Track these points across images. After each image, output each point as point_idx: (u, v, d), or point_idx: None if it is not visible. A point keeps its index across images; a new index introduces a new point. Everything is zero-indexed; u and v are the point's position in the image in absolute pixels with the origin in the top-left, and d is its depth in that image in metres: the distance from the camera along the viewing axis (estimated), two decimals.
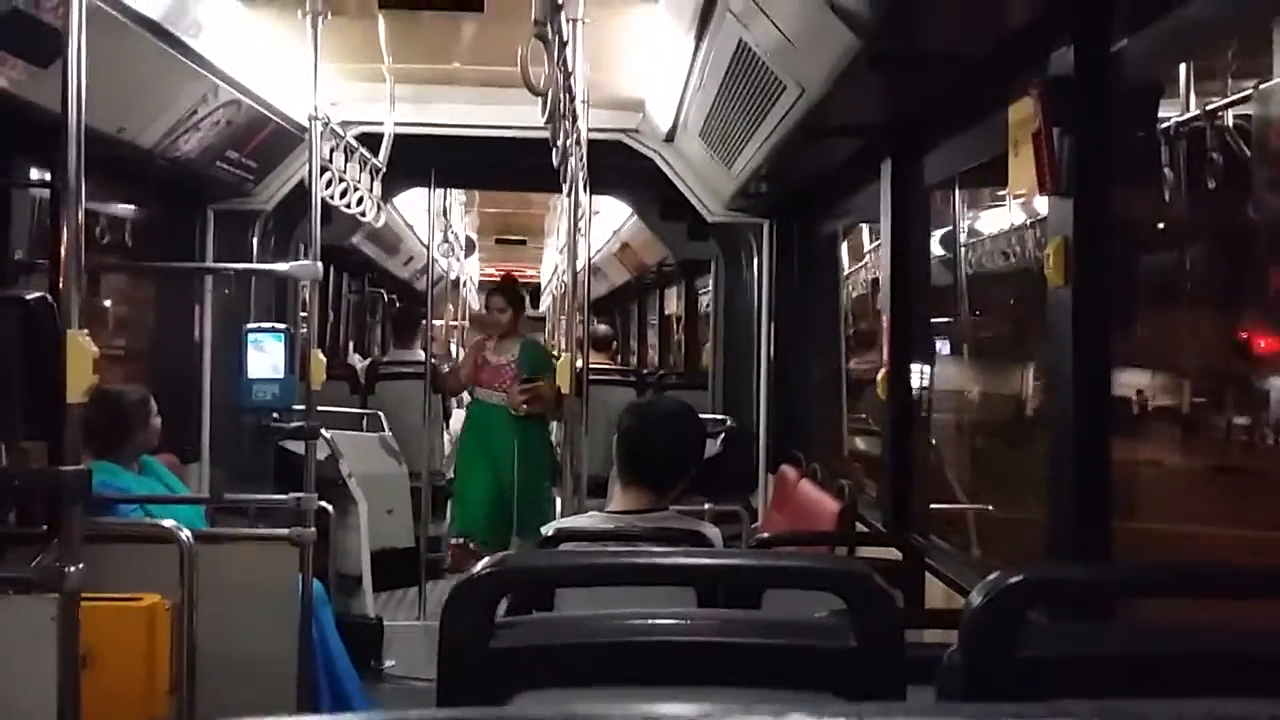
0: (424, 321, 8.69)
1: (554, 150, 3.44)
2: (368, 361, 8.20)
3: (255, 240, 5.39)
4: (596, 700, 1.11)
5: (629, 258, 9.82)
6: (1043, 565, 1.62)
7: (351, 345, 10.58)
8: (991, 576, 1.25)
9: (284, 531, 3.56)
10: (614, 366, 8.16)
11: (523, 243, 13.98)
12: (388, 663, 5.01)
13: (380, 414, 5.95)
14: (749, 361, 5.63)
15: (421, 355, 7.71)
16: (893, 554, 2.75)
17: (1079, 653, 1.23)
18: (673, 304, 11.47)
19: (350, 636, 4.48)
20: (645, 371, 9.14)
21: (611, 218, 9.13)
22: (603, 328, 9.76)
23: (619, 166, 5.05)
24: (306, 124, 3.68)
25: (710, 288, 7.22)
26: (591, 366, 7.93)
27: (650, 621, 1.24)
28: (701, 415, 5.38)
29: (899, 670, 1.23)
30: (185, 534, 3.18)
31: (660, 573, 1.24)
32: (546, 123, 3.09)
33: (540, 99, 2.90)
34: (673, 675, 1.22)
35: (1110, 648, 1.26)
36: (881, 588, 1.21)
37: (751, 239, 5.48)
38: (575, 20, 3.32)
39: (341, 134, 4.21)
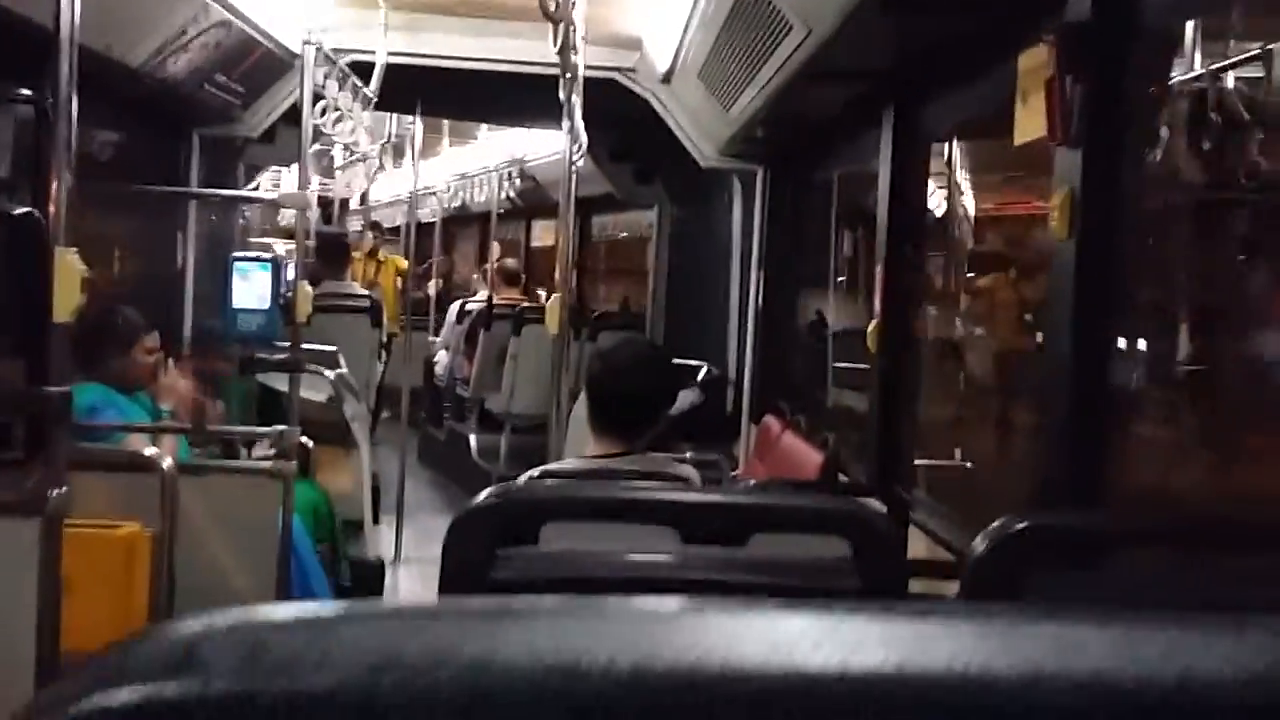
0: (352, 251, 8.69)
1: (561, 84, 3.37)
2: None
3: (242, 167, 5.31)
4: None
5: (530, 192, 9.84)
6: (1046, 512, 1.61)
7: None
8: (996, 523, 1.24)
9: (266, 464, 3.53)
10: (526, 302, 8.07)
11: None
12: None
13: (336, 350, 5.85)
14: (707, 308, 5.63)
15: (355, 288, 7.61)
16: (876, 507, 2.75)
17: (1086, 598, 1.22)
18: (548, 237, 11.61)
19: (353, 578, 4.51)
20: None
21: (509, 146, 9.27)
22: (511, 262, 9.65)
23: (602, 109, 4.99)
24: (298, 50, 3.60)
25: (653, 233, 7.22)
26: (505, 301, 7.93)
27: (659, 559, 1.22)
28: (680, 362, 5.43)
29: None
30: (167, 463, 3.14)
31: (669, 510, 1.22)
32: (558, 52, 3.03)
33: (551, 29, 2.84)
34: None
35: (1116, 594, 1.25)
36: (891, 530, 1.20)
37: (735, 184, 5.44)
38: None
39: (334, 61, 4.12)
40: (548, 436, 3.68)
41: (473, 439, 7.16)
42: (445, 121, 6.98)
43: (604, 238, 10.57)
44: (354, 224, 12.68)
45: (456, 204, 12.16)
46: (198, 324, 4.95)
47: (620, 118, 5.25)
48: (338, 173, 10.61)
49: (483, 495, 1.23)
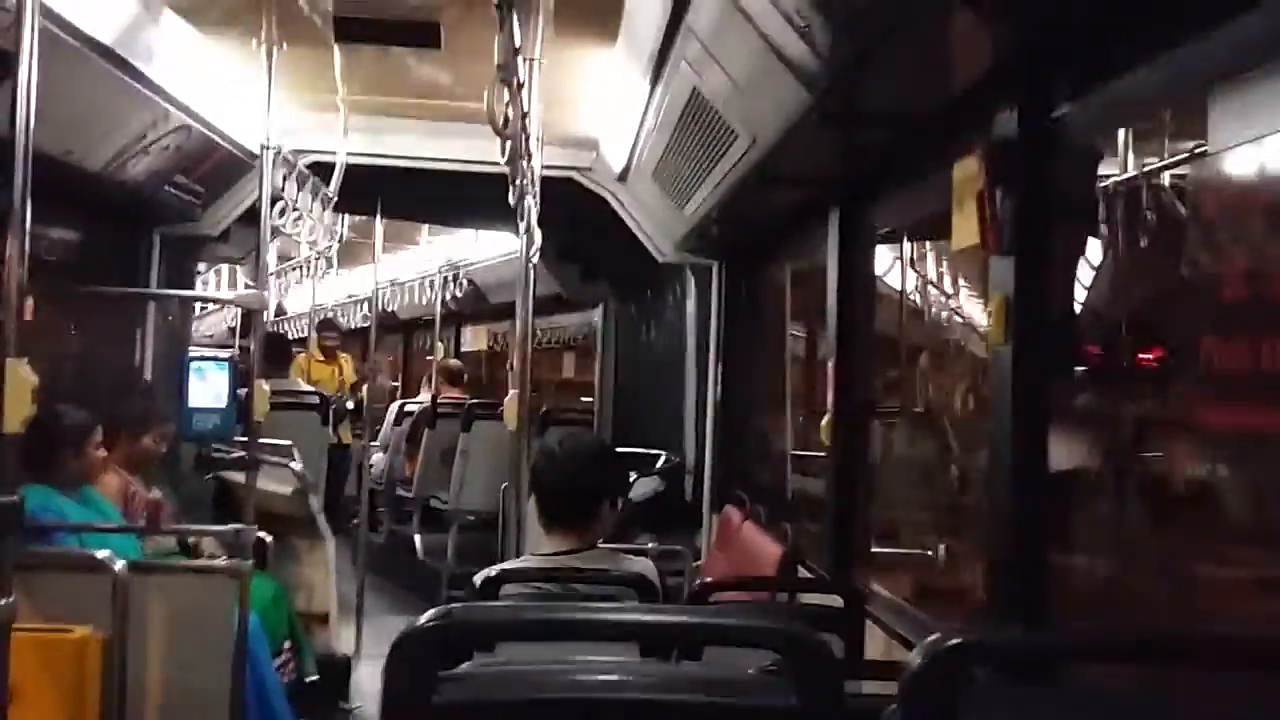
0: (296, 350, 8.85)
1: (511, 189, 3.46)
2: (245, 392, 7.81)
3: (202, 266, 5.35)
4: None
5: (464, 297, 10.01)
6: (983, 628, 1.65)
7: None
8: (931, 638, 1.27)
9: (221, 563, 3.51)
10: (471, 399, 8.16)
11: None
12: (355, 704, 4.93)
13: (291, 444, 5.87)
14: (661, 399, 5.72)
15: (301, 384, 7.66)
16: (836, 600, 2.77)
17: (1021, 717, 1.25)
18: (480, 341, 11.78)
19: (320, 672, 4.46)
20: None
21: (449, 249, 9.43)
22: (454, 362, 9.84)
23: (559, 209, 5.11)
24: (258, 152, 3.67)
25: (599, 330, 7.40)
26: (449, 400, 8.03)
27: (594, 678, 1.25)
28: (636, 451, 5.48)
29: None
30: (119, 564, 3.12)
31: (605, 628, 1.25)
32: (507, 163, 3.12)
33: (500, 138, 2.92)
34: None
35: (1052, 713, 1.28)
36: (820, 645, 1.23)
37: (689, 278, 5.55)
38: (533, 60, 3.35)
39: (293, 162, 4.19)
40: (499, 533, 3.70)
41: (418, 539, 7.14)
42: (379, 228, 7.17)
43: (546, 339, 10.62)
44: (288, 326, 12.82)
45: (387, 310, 12.27)
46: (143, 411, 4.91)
47: (569, 218, 5.37)
48: (271, 278, 10.47)
49: (425, 617, 1.25)
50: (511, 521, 3.79)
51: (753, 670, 1.49)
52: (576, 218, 5.31)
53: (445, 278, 9.80)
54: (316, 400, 6.77)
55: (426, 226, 9.49)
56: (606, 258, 5.77)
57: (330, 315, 11.11)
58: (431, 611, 1.27)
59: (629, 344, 6.53)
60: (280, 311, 13.50)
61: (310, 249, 5.86)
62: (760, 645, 1.25)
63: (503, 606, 1.69)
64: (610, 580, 2.63)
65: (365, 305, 11.48)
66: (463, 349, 12.56)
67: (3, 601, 2.21)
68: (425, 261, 10.48)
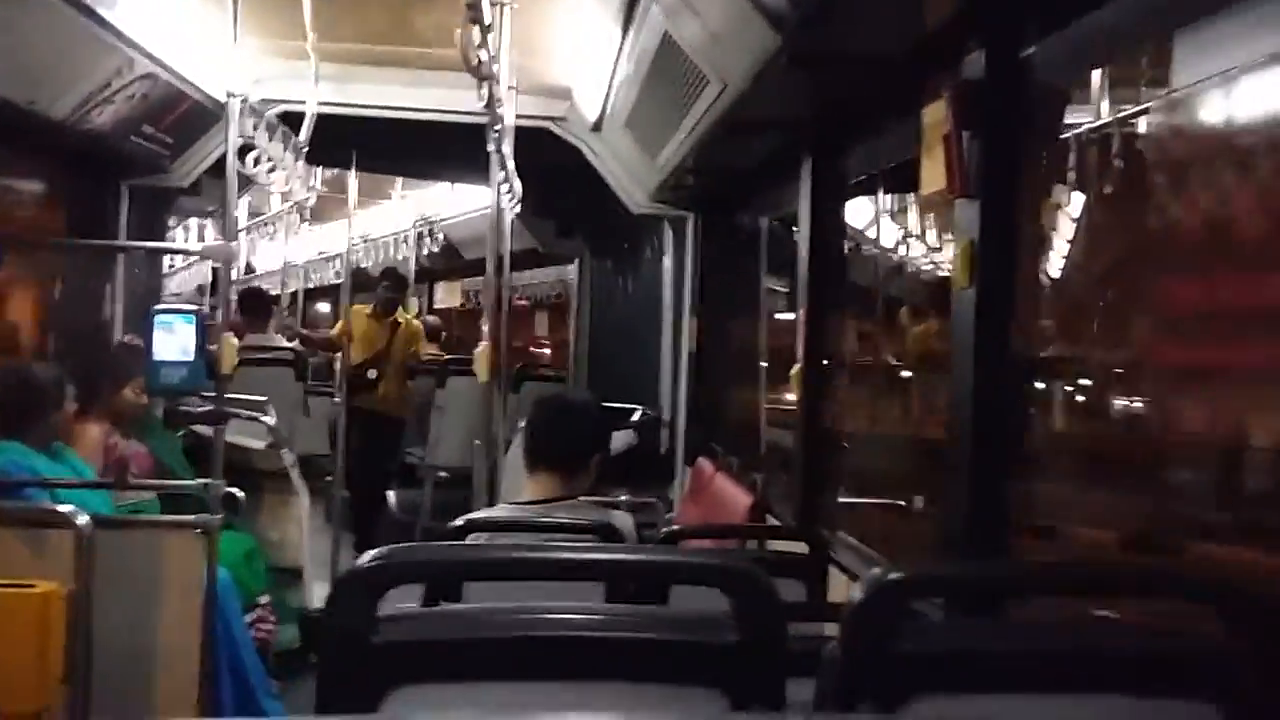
0: (276, 305, 8.55)
1: (489, 136, 3.41)
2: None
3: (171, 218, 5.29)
4: (473, 694, 1.11)
5: (437, 254, 9.90)
6: (928, 562, 1.65)
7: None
8: (873, 572, 1.27)
9: (190, 518, 3.48)
10: (447, 356, 8.09)
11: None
12: None
13: (266, 400, 5.83)
14: (639, 354, 5.70)
15: (278, 340, 7.57)
16: (802, 548, 2.78)
17: (956, 649, 1.25)
18: (454, 297, 11.75)
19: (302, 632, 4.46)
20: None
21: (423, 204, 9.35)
22: (432, 319, 9.67)
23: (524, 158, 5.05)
24: (225, 100, 3.61)
25: (575, 281, 7.34)
26: (431, 355, 7.96)
27: (536, 616, 1.24)
28: (614, 405, 5.47)
29: (780, 665, 1.25)
30: (83, 519, 3.09)
31: (548, 567, 1.24)
32: (485, 108, 3.07)
33: (476, 80, 2.88)
34: (556, 670, 1.22)
35: (988, 644, 1.28)
36: (763, 583, 1.22)
37: (666, 231, 5.51)
38: (503, 4, 3.30)
39: (261, 112, 4.12)
40: (473, 487, 3.69)
41: (391, 495, 7.13)
42: (354, 182, 6.95)
43: (520, 297, 10.56)
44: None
45: (360, 267, 12.19)
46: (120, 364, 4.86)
47: (544, 172, 5.31)
48: (240, 232, 9.99)
49: (366, 557, 1.24)
50: (483, 475, 3.78)
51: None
52: (552, 170, 5.26)
53: (420, 233, 9.70)
54: (291, 356, 6.72)
55: (400, 181, 9.37)
56: (582, 211, 5.72)
57: (392, 265, 9.74)
58: (372, 552, 1.26)
59: (605, 299, 6.50)
60: (250, 269, 13.30)
61: (284, 202, 5.79)
62: (703, 583, 1.24)
63: (440, 546, 1.69)
64: (576, 529, 2.63)
65: (337, 262, 11.38)
66: (435, 306, 12.50)
67: None
68: (399, 217, 10.38)
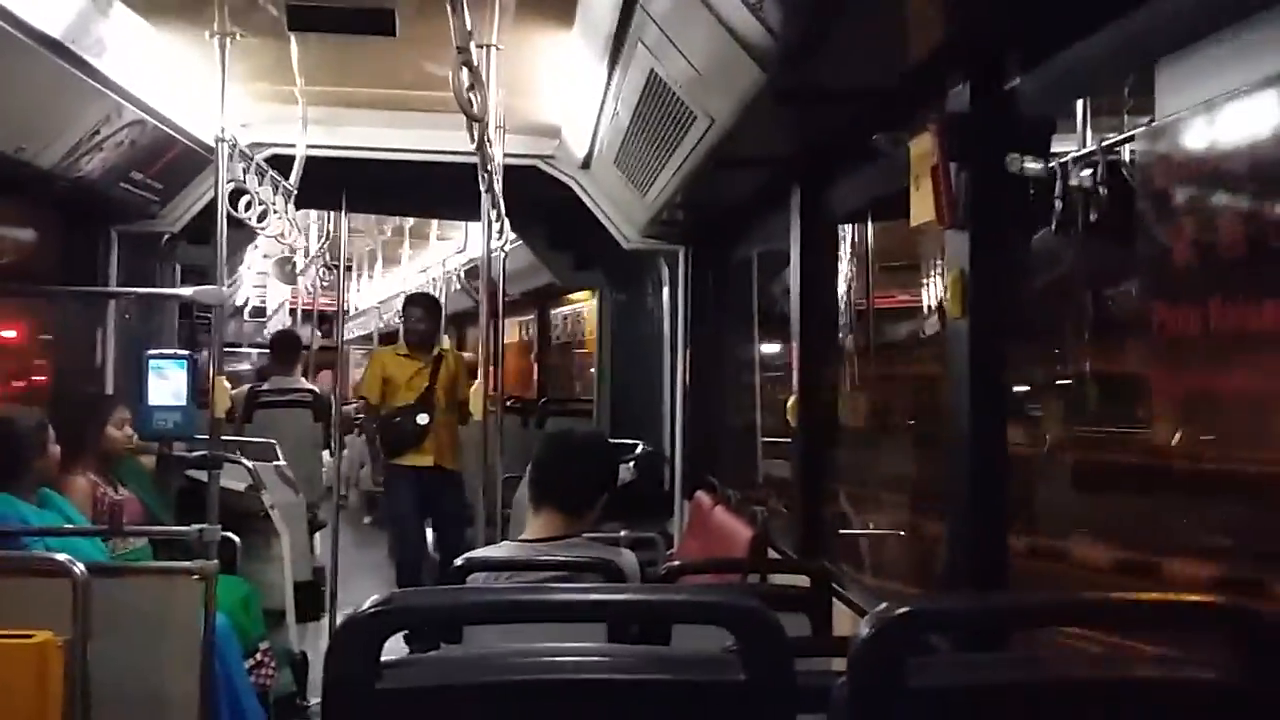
0: (304, 348, 8.50)
1: (481, 176, 3.43)
2: (245, 389, 7.12)
3: (158, 264, 5.30)
4: None
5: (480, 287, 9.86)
6: (933, 596, 1.65)
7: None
8: (880, 607, 1.26)
9: (186, 564, 3.46)
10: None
11: (333, 267, 13.91)
12: (312, 700, 4.90)
13: (274, 443, 5.82)
14: (648, 387, 5.69)
15: (303, 382, 7.55)
16: (805, 581, 2.77)
17: (966, 683, 1.25)
18: (512, 333, 11.74)
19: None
20: (521, 400, 8.97)
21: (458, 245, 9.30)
22: (469, 356, 9.62)
23: (527, 195, 5.06)
24: (214, 145, 3.63)
25: (594, 314, 7.32)
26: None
27: (543, 659, 1.23)
28: (616, 441, 5.45)
29: (789, 703, 1.24)
30: (79, 568, 3.07)
31: (551, 609, 1.24)
32: (476, 149, 3.09)
33: (468, 121, 2.90)
34: (564, 714, 1.21)
35: (997, 677, 1.28)
36: (769, 620, 1.22)
37: (662, 266, 5.53)
38: (488, 46, 3.32)
39: (250, 156, 4.14)
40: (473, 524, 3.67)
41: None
42: (407, 230, 6.86)
43: (562, 329, 10.53)
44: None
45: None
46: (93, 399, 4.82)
47: (557, 204, 5.33)
48: (300, 278, 9.65)
49: (368, 603, 1.23)
50: (480, 511, 3.77)
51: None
52: (565, 202, 5.26)
53: (455, 275, 9.55)
54: (310, 398, 6.68)
55: (435, 224, 9.29)
56: (599, 243, 5.65)
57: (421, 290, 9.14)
58: (374, 597, 1.25)
59: (623, 331, 6.42)
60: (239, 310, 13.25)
61: (282, 245, 5.77)
62: (710, 622, 1.23)
63: (444, 590, 1.67)
64: (576, 567, 2.62)
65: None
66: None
67: None
68: (437, 258, 10.19)
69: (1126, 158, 2.26)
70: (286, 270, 7.27)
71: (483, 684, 1.17)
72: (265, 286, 13.12)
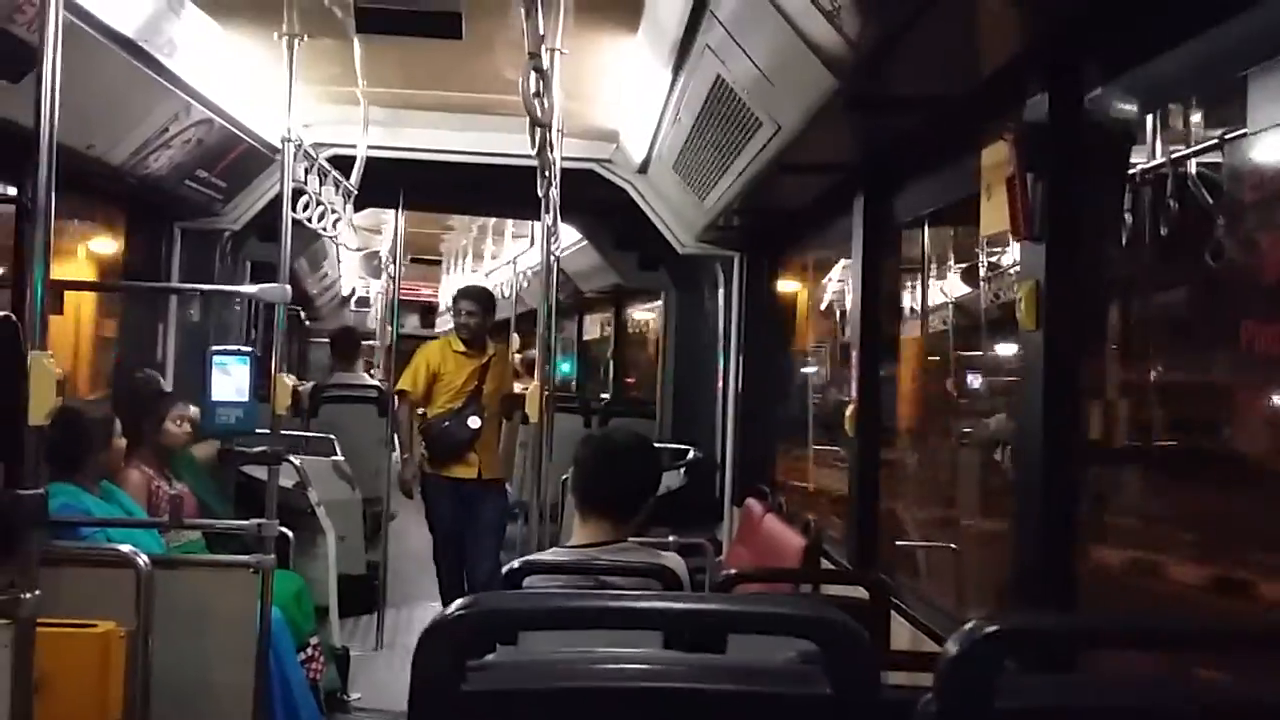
0: (365, 342, 8.52)
1: (540, 179, 3.45)
2: (310, 385, 7.02)
3: (220, 260, 5.36)
4: None
5: (561, 284, 9.84)
6: (1016, 614, 1.62)
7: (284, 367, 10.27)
8: (968, 625, 1.24)
9: (244, 558, 3.51)
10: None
11: (436, 262, 13.95)
12: (354, 695, 4.94)
13: (333, 438, 5.88)
14: (707, 392, 5.66)
15: (366, 378, 7.62)
16: (858, 592, 2.75)
17: (1055, 704, 1.23)
18: (594, 330, 11.66)
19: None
20: (590, 400, 8.97)
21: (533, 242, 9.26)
22: (532, 353, 9.61)
23: (587, 195, 5.06)
24: (279, 145, 3.66)
25: (660, 316, 7.30)
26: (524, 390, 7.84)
27: (623, 666, 1.22)
28: (666, 445, 5.43)
29: (874, 717, 1.23)
30: (142, 559, 3.12)
31: (636, 617, 1.23)
32: (537, 154, 3.11)
33: (532, 127, 2.91)
34: None
35: (1085, 700, 1.26)
36: (858, 633, 1.20)
37: (719, 271, 5.51)
38: (554, 50, 3.33)
39: (314, 156, 4.18)
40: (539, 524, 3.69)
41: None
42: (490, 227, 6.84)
43: (635, 329, 10.52)
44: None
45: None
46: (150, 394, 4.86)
47: (616, 205, 5.32)
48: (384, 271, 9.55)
49: (453, 606, 1.24)
50: (534, 513, 3.78)
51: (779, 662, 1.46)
52: (624, 206, 5.25)
53: (526, 273, 9.52)
54: (375, 394, 6.72)
55: (511, 223, 9.31)
56: (661, 247, 5.58)
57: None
58: (460, 600, 1.25)
59: (686, 334, 6.37)
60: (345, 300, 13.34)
61: (335, 242, 5.82)
62: (797, 633, 1.22)
63: (531, 594, 1.68)
64: (633, 572, 2.61)
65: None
66: (584, 338, 12.25)
67: (28, 596, 2.21)
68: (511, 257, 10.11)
69: (1200, 169, 2.22)
70: (373, 265, 7.37)
71: (571, 689, 1.17)
72: (366, 278, 13.31)
